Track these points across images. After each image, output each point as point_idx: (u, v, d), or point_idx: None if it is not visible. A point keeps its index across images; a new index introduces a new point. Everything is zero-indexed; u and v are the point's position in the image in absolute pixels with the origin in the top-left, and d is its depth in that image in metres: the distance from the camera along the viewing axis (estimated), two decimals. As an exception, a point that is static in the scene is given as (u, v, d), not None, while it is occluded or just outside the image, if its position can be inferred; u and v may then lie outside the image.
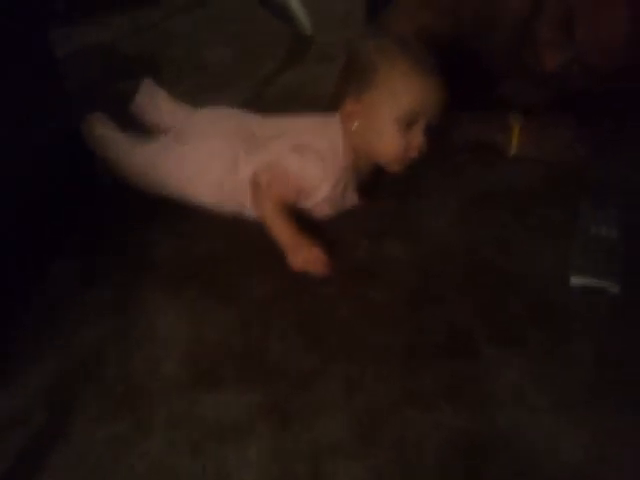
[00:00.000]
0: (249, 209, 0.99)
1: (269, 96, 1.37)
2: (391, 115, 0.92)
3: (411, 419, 0.73)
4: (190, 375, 0.79)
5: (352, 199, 1.02)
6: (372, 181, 1.05)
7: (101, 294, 0.92)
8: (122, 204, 1.05)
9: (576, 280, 0.88)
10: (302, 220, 0.97)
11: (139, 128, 1.13)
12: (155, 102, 1.13)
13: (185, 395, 0.77)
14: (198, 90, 1.38)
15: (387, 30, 1.05)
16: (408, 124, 0.92)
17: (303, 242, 0.91)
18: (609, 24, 0.89)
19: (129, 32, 1.67)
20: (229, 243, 0.99)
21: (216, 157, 0.99)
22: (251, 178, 0.97)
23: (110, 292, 0.92)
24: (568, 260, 0.91)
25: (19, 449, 0.73)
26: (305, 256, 0.90)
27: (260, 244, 0.94)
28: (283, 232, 0.93)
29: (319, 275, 0.90)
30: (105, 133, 1.08)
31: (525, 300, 0.87)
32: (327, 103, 1.01)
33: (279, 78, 1.45)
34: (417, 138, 0.93)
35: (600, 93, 1.02)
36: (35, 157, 0.98)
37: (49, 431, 0.75)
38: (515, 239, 0.97)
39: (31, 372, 0.81)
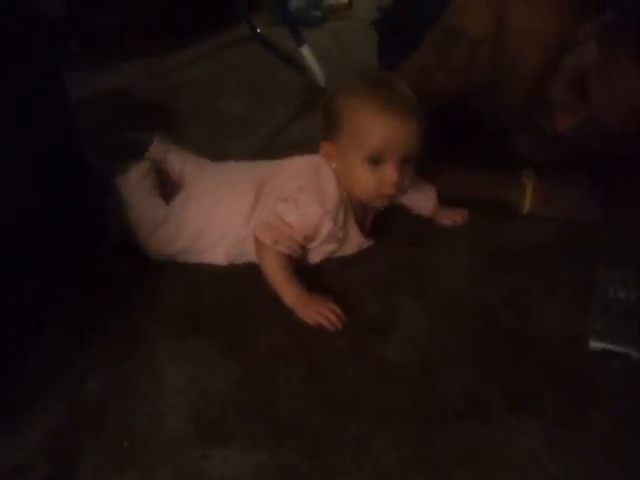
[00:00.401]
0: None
1: (280, 145, 1.37)
2: (357, 156, 0.92)
3: (423, 486, 0.70)
4: (195, 430, 0.77)
5: (357, 238, 1.01)
6: (372, 220, 1.05)
7: (106, 340, 0.90)
8: (129, 245, 1.03)
9: (595, 344, 0.86)
10: (310, 273, 0.97)
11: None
12: (166, 158, 1.13)
13: (189, 451, 0.74)
14: (211, 136, 1.39)
15: None
16: (377, 162, 0.92)
17: (312, 297, 0.91)
18: (624, 86, 0.90)
19: (144, 79, 1.68)
20: (237, 290, 0.97)
21: (237, 214, 0.99)
22: (254, 237, 0.96)
23: (115, 338, 0.90)
24: (585, 320, 0.89)
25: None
26: (317, 309, 0.90)
27: (269, 292, 0.93)
28: (292, 290, 0.92)
29: (331, 328, 0.89)
30: (135, 193, 1.06)
31: (541, 362, 0.85)
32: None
33: (291, 127, 1.46)
34: (390, 175, 0.92)
35: (614, 153, 1.02)
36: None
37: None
38: (530, 297, 0.96)
39: (34, 422, 0.78)
